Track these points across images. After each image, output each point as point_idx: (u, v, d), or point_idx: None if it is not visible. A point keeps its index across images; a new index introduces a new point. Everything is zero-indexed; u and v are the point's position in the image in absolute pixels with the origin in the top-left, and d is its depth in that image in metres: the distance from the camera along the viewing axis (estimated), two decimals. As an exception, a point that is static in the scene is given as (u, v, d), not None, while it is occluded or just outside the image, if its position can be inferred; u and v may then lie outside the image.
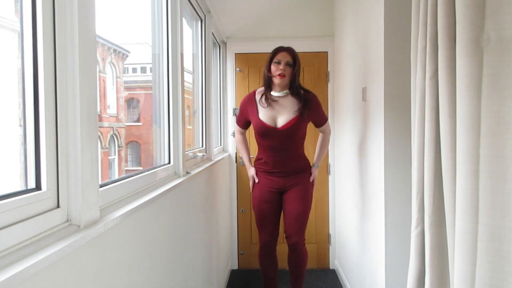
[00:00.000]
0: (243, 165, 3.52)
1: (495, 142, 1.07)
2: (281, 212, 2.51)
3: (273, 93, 2.38)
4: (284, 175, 2.41)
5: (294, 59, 2.32)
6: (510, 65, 1.04)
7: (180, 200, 1.72)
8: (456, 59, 1.18)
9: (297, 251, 2.46)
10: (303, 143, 2.48)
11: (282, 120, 2.32)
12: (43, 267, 0.69)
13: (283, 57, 2.30)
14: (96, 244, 0.91)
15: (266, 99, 2.36)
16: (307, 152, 2.55)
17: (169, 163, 1.81)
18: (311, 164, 2.53)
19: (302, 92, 2.37)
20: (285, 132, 2.31)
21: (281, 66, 2.28)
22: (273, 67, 2.32)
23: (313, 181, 2.50)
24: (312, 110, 2.37)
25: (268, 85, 2.38)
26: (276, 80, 2.31)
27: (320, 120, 2.51)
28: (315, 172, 2.51)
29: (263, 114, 2.35)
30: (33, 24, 0.82)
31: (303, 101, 2.33)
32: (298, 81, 2.37)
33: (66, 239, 0.79)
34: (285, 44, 2.44)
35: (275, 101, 2.35)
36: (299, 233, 2.40)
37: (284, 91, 2.36)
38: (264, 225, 2.47)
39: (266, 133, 2.34)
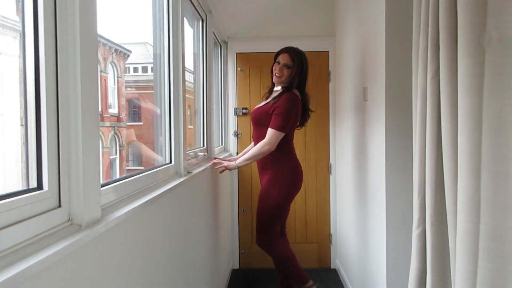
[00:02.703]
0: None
1: (497, 141, 1.06)
2: None
3: (274, 88, 2.51)
4: (259, 167, 2.52)
5: (293, 61, 2.33)
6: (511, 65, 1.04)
7: (181, 200, 1.72)
8: (457, 58, 1.18)
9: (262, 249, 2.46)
10: (281, 144, 2.30)
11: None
12: (44, 267, 0.69)
13: (282, 58, 2.37)
14: (97, 244, 0.91)
15: (267, 93, 2.54)
16: (299, 157, 2.52)
17: (170, 162, 1.81)
18: (291, 171, 2.39)
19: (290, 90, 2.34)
20: (253, 115, 2.48)
21: (277, 67, 2.37)
22: (273, 67, 2.42)
23: (275, 182, 2.36)
24: (274, 105, 2.30)
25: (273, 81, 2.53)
26: (274, 79, 2.44)
27: (271, 121, 2.27)
28: (228, 163, 2.38)
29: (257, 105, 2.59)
30: (34, 23, 0.82)
31: (278, 96, 2.33)
32: (296, 81, 2.34)
33: (67, 238, 0.79)
34: (286, 43, 2.46)
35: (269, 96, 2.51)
36: (256, 232, 2.42)
37: (279, 87, 2.44)
38: None
39: (251, 118, 2.58)
